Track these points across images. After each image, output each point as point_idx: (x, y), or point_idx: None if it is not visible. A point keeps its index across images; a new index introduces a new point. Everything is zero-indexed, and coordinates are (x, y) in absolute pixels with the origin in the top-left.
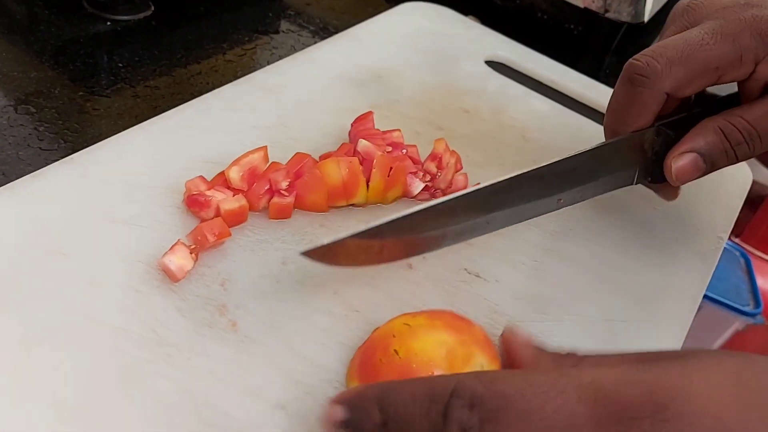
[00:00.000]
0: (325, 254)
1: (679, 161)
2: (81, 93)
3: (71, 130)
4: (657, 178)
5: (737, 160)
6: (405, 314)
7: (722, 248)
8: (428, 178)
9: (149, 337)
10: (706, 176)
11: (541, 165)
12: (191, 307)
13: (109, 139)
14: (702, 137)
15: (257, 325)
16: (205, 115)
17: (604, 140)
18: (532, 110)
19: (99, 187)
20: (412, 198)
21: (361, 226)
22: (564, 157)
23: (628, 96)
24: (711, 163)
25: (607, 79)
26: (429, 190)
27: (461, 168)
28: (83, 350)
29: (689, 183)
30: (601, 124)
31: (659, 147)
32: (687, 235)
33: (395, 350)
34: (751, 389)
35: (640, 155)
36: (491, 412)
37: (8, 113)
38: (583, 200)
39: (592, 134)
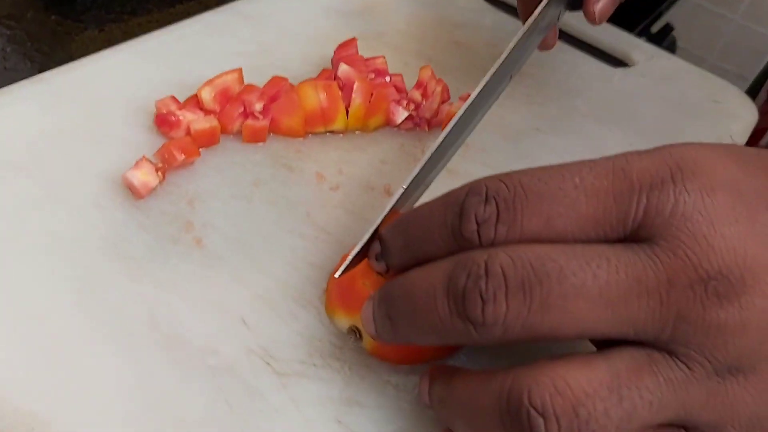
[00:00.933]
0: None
1: (600, 3)
2: (54, 17)
3: (41, 52)
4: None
5: None
6: None
7: None
8: (412, 106)
9: (109, 250)
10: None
11: (502, 60)
12: (155, 223)
13: (82, 59)
14: None
15: (224, 244)
16: (183, 40)
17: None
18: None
19: (69, 106)
20: (395, 127)
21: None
22: (515, 43)
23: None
24: None
25: None
26: (413, 120)
27: (448, 98)
28: (41, 262)
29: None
30: (600, 60)
31: None
32: None
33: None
34: (743, 156)
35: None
36: (508, 200)
37: None
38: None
39: (590, 71)
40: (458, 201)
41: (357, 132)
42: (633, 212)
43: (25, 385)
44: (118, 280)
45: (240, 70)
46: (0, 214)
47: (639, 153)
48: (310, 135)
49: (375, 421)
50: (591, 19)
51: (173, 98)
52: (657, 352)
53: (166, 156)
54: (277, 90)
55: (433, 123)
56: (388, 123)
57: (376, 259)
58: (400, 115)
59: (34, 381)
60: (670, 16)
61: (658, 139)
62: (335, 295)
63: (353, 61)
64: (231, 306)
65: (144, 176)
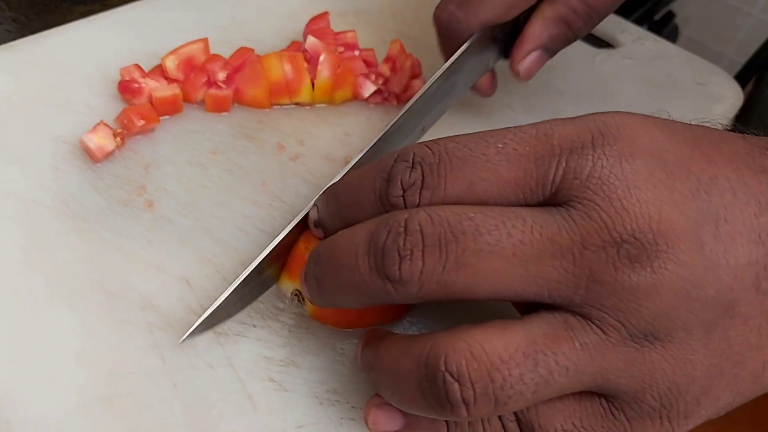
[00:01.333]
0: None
1: (525, 62)
2: None
3: (18, 22)
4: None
5: (576, 39)
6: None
7: None
8: (381, 81)
9: (60, 210)
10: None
11: (403, 111)
12: (108, 185)
13: (54, 29)
14: (545, 31)
15: (175, 208)
16: (157, 13)
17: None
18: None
19: (36, 74)
20: (363, 101)
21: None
22: (423, 92)
23: (450, 45)
24: (553, 53)
25: None
26: (381, 94)
27: (420, 74)
28: None
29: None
30: (583, 41)
31: (507, 30)
32: None
33: (319, 238)
34: (671, 127)
35: (490, 46)
36: (433, 165)
37: None
38: (445, 112)
39: (571, 51)
40: (386, 167)
41: (324, 105)
42: (552, 176)
43: None
44: (68, 240)
45: (206, 40)
46: None
47: (564, 120)
48: (275, 107)
49: (309, 382)
50: (516, 76)
51: (137, 66)
52: (573, 316)
53: (125, 121)
54: (242, 60)
55: (402, 98)
56: (356, 97)
57: (315, 226)
58: (368, 88)
59: None
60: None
61: None
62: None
63: (322, 34)
64: (176, 268)
65: (100, 140)
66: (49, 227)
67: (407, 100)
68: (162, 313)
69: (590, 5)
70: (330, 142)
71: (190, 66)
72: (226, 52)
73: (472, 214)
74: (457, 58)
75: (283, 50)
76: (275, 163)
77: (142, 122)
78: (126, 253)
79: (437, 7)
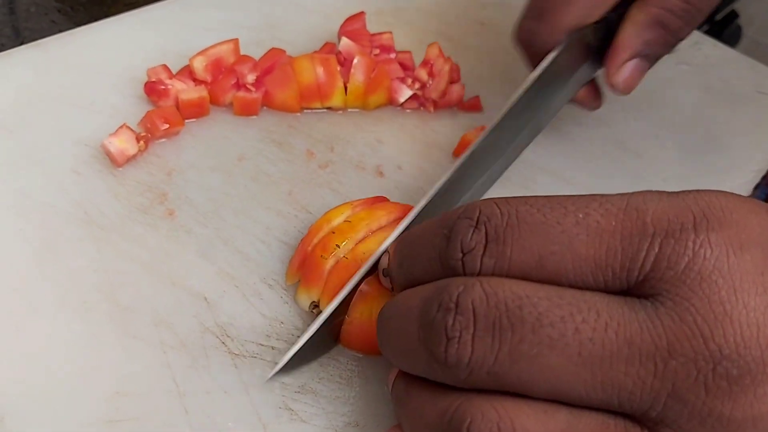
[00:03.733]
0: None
1: (622, 73)
2: None
3: (62, 12)
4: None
5: (677, 42)
6: (342, 205)
7: (756, 182)
8: (417, 85)
9: (77, 215)
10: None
11: (489, 128)
12: (128, 192)
13: (83, 27)
14: (638, 37)
15: (195, 217)
16: (189, 11)
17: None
18: None
19: (63, 72)
20: (398, 106)
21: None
22: (510, 106)
23: (538, 62)
24: (654, 59)
25: None
26: (417, 99)
27: (459, 79)
28: (9, 220)
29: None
30: None
31: (600, 35)
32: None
33: (337, 245)
34: None
35: (584, 54)
36: (499, 229)
37: None
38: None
39: None
40: (449, 223)
41: (357, 110)
42: (641, 259)
43: None
44: (83, 246)
45: (236, 41)
46: None
47: (660, 194)
48: (306, 111)
49: (328, 413)
50: (613, 89)
51: (164, 67)
52: (637, 426)
53: (149, 125)
54: (272, 62)
55: (440, 104)
56: (391, 102)
57: (384, 275)
58: (403, 93)
59: None
60: (740, 6)
61: (687, 129)
62: (297, 262)
63: (357, 35)
64: (193, 281)
65: (122, 144)
66: (64, 233)
67: (446, 107)
68: (176, 330)
69: (689, 1)
70: (362, 150)
71: (218, 67)
72: (258, 53)
73: (537, 299)
74: (545, 71)
75: (315, 52)
76: (303, 170)
77: (166, 126)
78: (141, 264)
79: (516, 27)
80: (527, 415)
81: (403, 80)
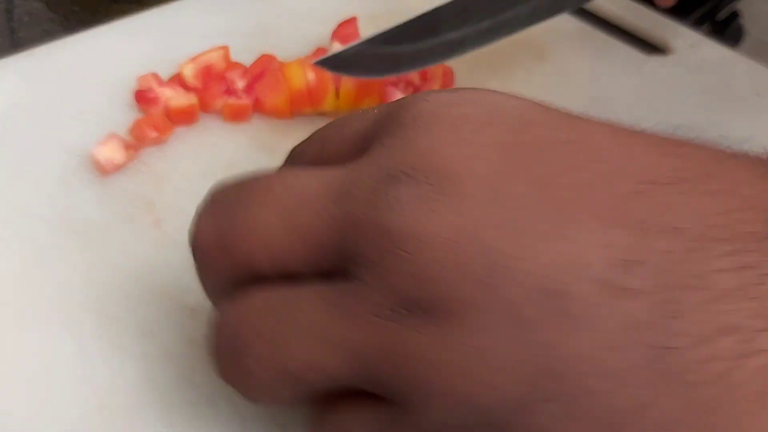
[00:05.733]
0: (338, 64)
1: None
2: None
3: (55, 22)
4: None
5: None
6: None
7: None
8: (410, 90)
9: (64, 226)
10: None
11: None
12: (116, 201)
13: (74, 35)
14: None
15: (183, 226)
16: (182, 18)
17: None
18: (556, 28)
19: (51, 81)
20: None
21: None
22: None
23: None
24: None
25: None
26: None
27: (452, 83)
28: None
29: None
30: (633, 47)
31: None
32: None
33: None
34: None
35: None
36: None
37: None
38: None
39: (619, 58)
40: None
41: None
42: (372, 135)
43: None
44: (68, 257)
45: (226, 48)
46: None
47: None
48: (298, 117)
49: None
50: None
51: (154, 75)
52: (344, 278)
53: (138, 133)
54: (262, 68)
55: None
56: None
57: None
58: (396, 97)
59: None
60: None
61: (684, 131)
62: None
63: (350, 40)
64: (179, 293)
65: (110, 152)
66: (51, 243)
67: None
68: (160, 342)
69: None
70: None
71: (208, 74)
72: (250, 58)
73: (267, 182)
74: None
75: (307, 57)
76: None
77: (156, 134)
78: (128, 275)
79: None
80: (256, 290)
81: (395, 85)
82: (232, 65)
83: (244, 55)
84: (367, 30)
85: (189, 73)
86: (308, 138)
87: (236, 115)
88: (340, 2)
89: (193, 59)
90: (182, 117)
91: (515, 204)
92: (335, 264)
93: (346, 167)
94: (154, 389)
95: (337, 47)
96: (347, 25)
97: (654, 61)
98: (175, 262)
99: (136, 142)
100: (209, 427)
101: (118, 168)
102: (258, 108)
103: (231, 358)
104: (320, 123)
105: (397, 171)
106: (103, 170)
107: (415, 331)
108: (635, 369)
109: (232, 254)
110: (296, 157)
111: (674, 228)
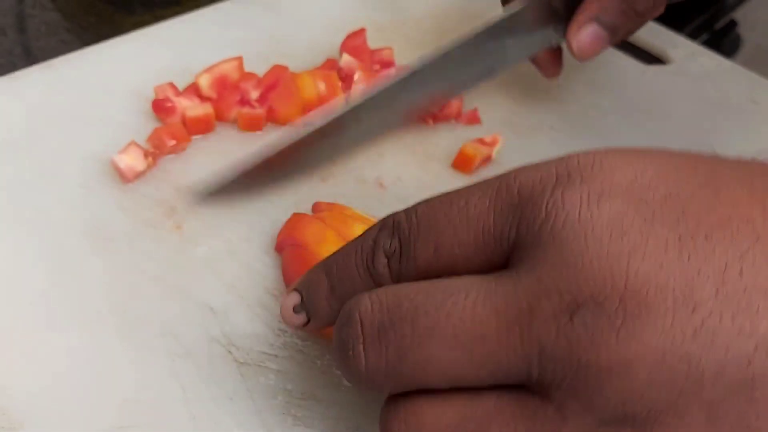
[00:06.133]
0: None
1: (579, 37)
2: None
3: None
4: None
5: (639, 18)
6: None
7: None
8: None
9: (87, 231)
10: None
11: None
12: (137, 206)
13: (93, 46)
14: (596, 2)
15: (203, 230)
16: (197, 29)
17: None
18: None
19: (72, 91)
20: None
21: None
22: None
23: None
24: (613, 31)
25: None
26: None
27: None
28: (20, 235)
29: None
30: (632, 57)
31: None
32: None
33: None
34: (675, 162)
35: (550, 18)
36: (405, 232)
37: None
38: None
39: (618, 68)
40: (371, 236)
41: None
42: (507, 230)
43: None
44: (91, 261)
45: (240, 58)
46: None
47: (538, 163)
48: None
49: (329, 418)
50: (572, 53)
51: (171, 84)
52: (531, 396)
53: (156, 142)
54: (276, 79)
55: (439, 117)
56: None
57: (295, 311)
58: None
59: None
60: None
61: (682, 139)
62: (289, 272)
63: (358, 51)
64: (200, 293)
65: (131, 160)
66: (74, 247)
67: (445, 120)
68: (183, 340)
69: None
70: (362, 163)
71: (223, 84)
72: (263, 68)
73: (414, 294)
74: (507, 17)
75: (317, 68)
76: (306, 184)
77: (173, 142)
78: (149, 277)
79: None
80: (429, 406)
81: None
82: (246, 75)
83: (257, 66)
84: (373, 42)
85: (204, 83)
86: (406, 237)
87: (250, 125)
88: (349, 14)
89: (208, 69)
90: (199, 126)
91: (703, 307)
92: (519, 382)
93: (504, 284)
94: (176, 384)
95: (346, 59)
96: (355, 37)
97: (653, 71)
98: (195, 263)
99: (155, 150)
100: (228, 419)
101: (138, 175)
102: (271, 117)
103: None
104: None
105: (575, 298)
106: (125, 177)
107: None
108: None
109: (404, 383)
110: (405, 262)
111: None
